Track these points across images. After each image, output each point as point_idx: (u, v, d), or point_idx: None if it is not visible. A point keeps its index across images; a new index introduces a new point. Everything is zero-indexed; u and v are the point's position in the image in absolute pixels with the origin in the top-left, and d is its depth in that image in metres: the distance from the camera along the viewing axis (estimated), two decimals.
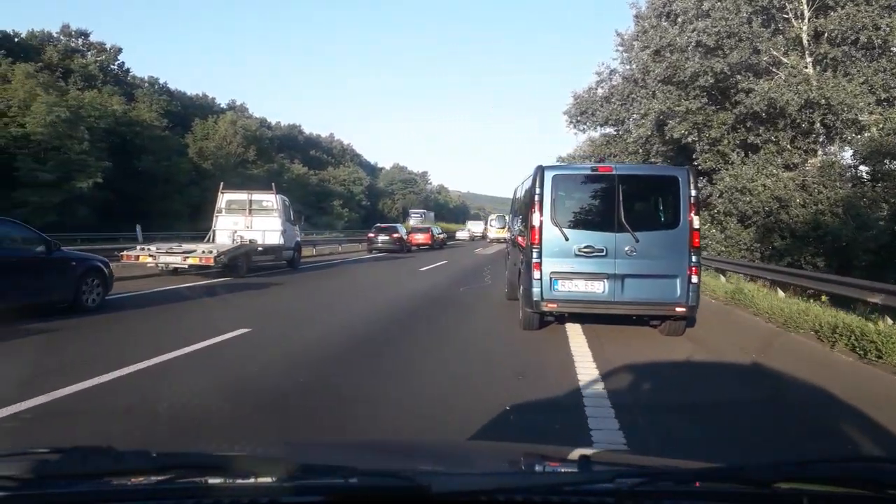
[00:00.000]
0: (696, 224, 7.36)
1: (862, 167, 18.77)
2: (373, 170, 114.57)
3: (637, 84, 24.12)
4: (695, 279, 7.26)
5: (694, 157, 21.49)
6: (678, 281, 7.25)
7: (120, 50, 59.60)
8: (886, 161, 17.22)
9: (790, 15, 19.71)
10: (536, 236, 7.52)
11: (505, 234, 21.44)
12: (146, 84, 61.84)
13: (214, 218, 17.49)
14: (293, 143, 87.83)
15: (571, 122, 27.37)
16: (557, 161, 27.66)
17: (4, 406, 4.35)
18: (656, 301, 7.37)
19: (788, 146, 19.83)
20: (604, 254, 7.38)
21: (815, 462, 1.19)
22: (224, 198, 17.69)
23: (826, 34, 18.97)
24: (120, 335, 7.81)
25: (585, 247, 7.41)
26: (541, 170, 7.74)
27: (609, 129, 28.19)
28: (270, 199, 17.74)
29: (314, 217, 53.85)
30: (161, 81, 65.95)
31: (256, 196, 17.91)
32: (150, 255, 14.46)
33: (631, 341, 7.60)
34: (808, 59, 19.60)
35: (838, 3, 18.53)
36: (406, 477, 1.11)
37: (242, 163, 57.00)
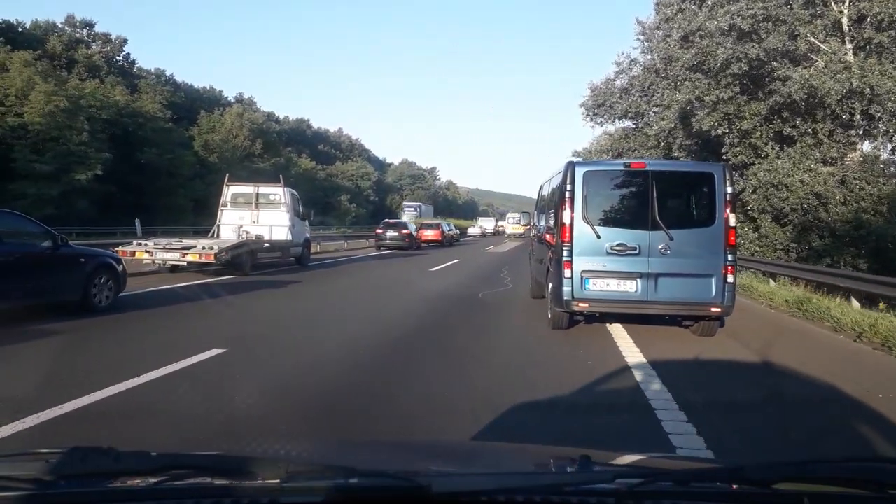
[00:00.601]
0: (732, 222, 7.21)
1: None
2: (381, 165, 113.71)
3: (658, 74, 22.94)
4: (730, 278, 7.14)
5: (722, 150, 20.26)
6: (713, 280, 7.10)
7: (125, 41, 58.90)
8: None
9: None
10: (567, 234, 7.31)
11: (522, 231, 20.90)
12: (152, 76, 60.73)
13: (219, 212, 16.45)
14: (301, 138, 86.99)
15: (588, 114, 26.14)
16: (573, 156, 26.67)
17: None
18: (691, 301, 7.22)
19: (826, 139, 18.60)
20: (637, 252, 7.20)
21: (815, 462, 1.18)
22: (229, 190, 16.64)
23: (869, 18, 17.75)
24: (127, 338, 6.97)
25: (618, 245, 7.23)
26: (571, 166, 7.55)
27: (627, 123, 27.06)
28: (278, 193, 16.67)
29: (320, 213, 52.56)
30: (168, 73, 65.16)
31: (263, 189, 16.90)
32: (147, 252, 13.49)
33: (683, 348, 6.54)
34: (849, 46, 18.38)
35: None
36: (406, 477, 1.11)
37: (249, 156, 56.06)
